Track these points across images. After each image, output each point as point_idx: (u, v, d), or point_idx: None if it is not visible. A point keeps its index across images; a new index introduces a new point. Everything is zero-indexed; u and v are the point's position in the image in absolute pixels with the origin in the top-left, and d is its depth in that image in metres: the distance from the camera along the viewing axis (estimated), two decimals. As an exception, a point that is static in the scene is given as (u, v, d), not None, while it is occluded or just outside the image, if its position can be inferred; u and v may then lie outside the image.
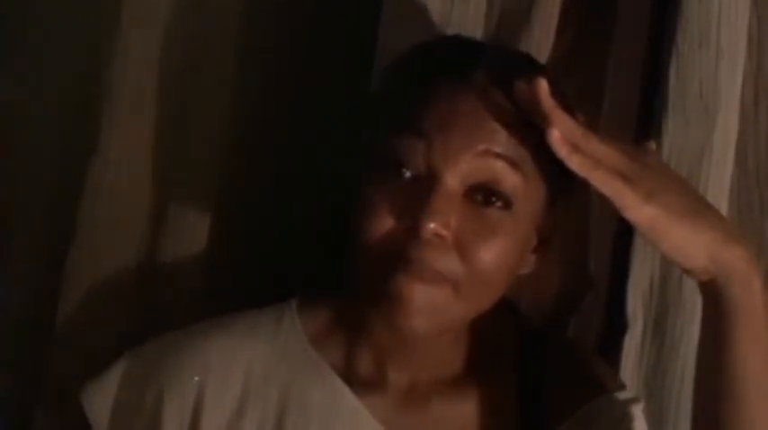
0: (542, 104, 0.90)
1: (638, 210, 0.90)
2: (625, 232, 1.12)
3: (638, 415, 1.04)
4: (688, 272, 0.94)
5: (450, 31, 1.11)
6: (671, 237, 0.91)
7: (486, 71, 0.94)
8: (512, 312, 1.09)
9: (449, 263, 0.92)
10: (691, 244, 0.91)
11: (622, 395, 1.05)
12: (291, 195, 1.20)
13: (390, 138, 0.95)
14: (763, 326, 0.93)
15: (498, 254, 0.93)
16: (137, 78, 1.17)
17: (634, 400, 1.05)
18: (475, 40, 1.08)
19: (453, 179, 0.92)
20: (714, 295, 0.93)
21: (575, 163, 0.89)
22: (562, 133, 0.90)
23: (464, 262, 0.92)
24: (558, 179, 0.96)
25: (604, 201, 0.91)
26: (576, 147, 0.90)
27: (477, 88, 0.94)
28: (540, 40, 1.11)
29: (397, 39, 1.13)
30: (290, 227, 1.20)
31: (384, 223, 0.93)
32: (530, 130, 0.92)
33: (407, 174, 0.93)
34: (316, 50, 1.20)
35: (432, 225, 0.90)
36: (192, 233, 1.17)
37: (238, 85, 1.18)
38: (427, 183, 0.92)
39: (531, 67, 1.01)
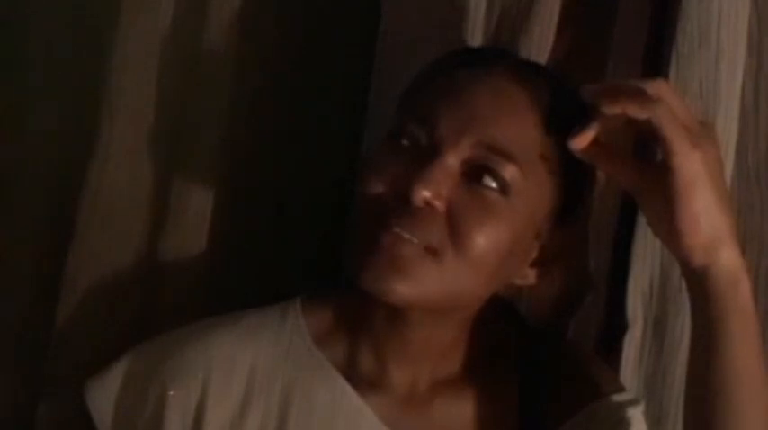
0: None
1: (688, 156, 0.90)
2: (625, 233, 1.12)
3: (639, 417, 1.04)
4: (687, 250, 0.93)
5: (450, 31, 1.11)
6: (698, 199, 0.91)
7: (505, 71, 0.96)
8: (512, 312, 1.09)
9: (436, 234, 0.92)
10: (707, 216, 0.91)
11: (622, 396, 1.05)
12: (291, 195, 1.20)
13: (402, 113, 0.97)
14: (753, 327, 0.93)
15: (488, 236, 0.93)
16: (136, 78, 1.17)
17: (634, 402, 1.05)
18: (496, 47, 1.10)
19: (453, 157, 0.93)
20: (704, 296, 0.93)
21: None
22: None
23: (452, 238, 0.92)
24: (569, 195, 0.97)
25: (611, 181, 0.93)
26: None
27: (494, 84, 0.95)
28: (540, 40, 1.11)
29: (398, 38, 1.14)
30: (290, 226, 1.20)
31: (379, 186, 0.94)
32: (544, 138, 0.95)
33: (410, 145, 0.94)
34: (315, 50, 1.20)
35: (424, 192, 0.91)
36: (191, 233, 1.17)
37: (238, 85, 1.18)
38: (427, 155, 0.93)
39: (550, 77, 1.01)
